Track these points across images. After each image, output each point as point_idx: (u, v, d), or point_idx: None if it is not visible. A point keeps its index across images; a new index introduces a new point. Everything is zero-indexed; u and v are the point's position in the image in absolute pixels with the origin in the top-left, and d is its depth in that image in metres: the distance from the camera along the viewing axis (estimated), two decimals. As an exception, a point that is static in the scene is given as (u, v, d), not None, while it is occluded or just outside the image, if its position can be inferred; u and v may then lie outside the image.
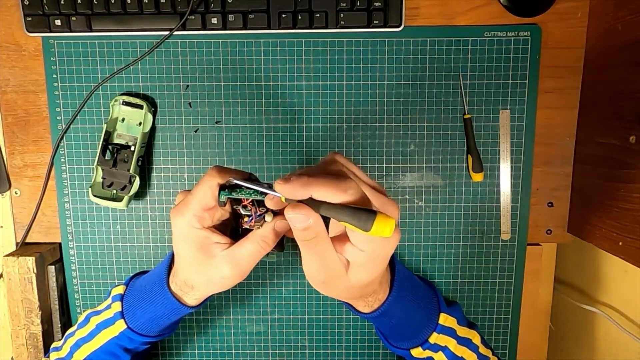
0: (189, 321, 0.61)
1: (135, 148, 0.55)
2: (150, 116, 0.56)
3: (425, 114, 0.57)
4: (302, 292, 0.60)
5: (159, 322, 0.45)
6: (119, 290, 0.48)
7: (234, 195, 0.38)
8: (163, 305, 0.43)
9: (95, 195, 0.55)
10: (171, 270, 0.44)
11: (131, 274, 0.51)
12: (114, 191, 0.55)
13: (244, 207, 0.39)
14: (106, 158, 0.55)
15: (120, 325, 0.45)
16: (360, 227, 0.32)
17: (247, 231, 0.40)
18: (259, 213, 0.39)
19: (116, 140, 0.56)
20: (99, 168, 0.55)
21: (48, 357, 0.51)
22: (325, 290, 0.38)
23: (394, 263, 0.44)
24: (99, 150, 0.54)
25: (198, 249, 0.39)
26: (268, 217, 0.39)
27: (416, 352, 0.47)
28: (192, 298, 0.43)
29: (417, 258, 0.59)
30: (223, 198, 0.38)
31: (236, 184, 0.38)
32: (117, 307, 0.46)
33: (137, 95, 0.56)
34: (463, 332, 0.48)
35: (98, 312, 0.48)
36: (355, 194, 0.33)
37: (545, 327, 0.63)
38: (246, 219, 0.40)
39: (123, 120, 0.56)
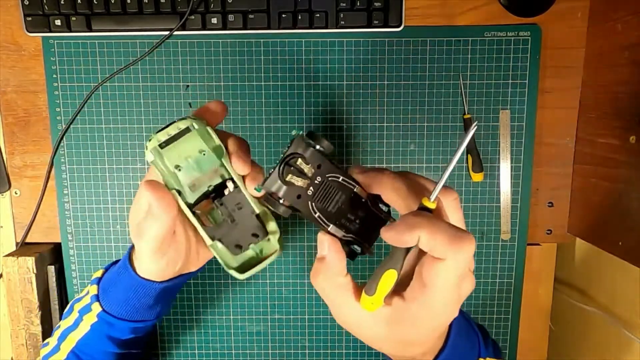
0: (189, 321, 0.61)
1: (233, 179, 0.38)
2: (208, 129, 0.37)
3: (425, 114, 0.57)
4: (302, 292, 0.60)
5: (131, 302, 0.43)
6: (98, 274, 0.47)
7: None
8: (128, 281, 0.42)
9: (241, 271, 0.39)
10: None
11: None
12: (251, 248, 0.40)
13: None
14: (213, 223, 0.39)
15: (96, 308, 0.44)
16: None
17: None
18: None
19: (197, 195, 0.38)
20: (217, 244, 0.38)
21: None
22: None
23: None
24: (198, 227, 0.38)
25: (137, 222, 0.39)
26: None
27: None
28: (148, 273, 0.42)
29: (417, 258, 0.59)
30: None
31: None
32: (93, 290, 0.45)
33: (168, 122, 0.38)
34: None
35: (79, 299, 0.47)
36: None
37: (545, 327, 0.63)
38: None
39: (179, 167, 0.36)
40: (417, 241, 0.27)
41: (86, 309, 0.45)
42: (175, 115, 0.57)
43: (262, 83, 0.57)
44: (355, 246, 0.33)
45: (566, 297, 0.66)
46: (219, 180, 0.38)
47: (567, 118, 0.57)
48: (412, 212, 0.29)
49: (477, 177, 0.57)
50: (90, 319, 0.45)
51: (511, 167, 0.57)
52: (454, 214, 0.31)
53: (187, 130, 0.36)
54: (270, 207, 0.32)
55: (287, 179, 0.30)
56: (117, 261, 0.48)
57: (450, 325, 0.34)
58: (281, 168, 0.30)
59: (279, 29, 0.54)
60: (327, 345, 0.61)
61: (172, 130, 0.36)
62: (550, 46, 0.56)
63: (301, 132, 0.31)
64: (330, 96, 0.57)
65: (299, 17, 0.54)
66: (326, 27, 0.54)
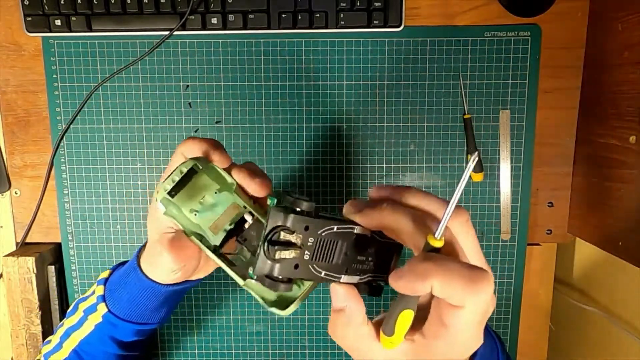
0: (189, 321, 0.61)
1: (253, 215, 0.35)
2: (213, 166, 0.36)
3: (425, 114, 0.57)
4: (302, 292, 0.60)
5: (137, 304, 0.44)
6: (104, 274, 0.47)
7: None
8: (136, 284, 0.42)
9: (281, 307, 0.34)
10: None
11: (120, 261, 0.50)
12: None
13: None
14: (245, 260, 0.36)
15: (102, 309, 0.44)
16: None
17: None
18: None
19: (221, 236, 0.36)
20: (250, 282, 0.34)
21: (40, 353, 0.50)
22: None
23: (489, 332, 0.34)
24: (227, 270, 0.35)
25: (155, 230, 0.38)
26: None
27: None
28: (158, 277, 0.42)
29: (417, 258, 0.59)
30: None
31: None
32: (99, 290, 0.45)
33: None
34: None
35: (85, 298, 0.47)
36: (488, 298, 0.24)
37: (545, 327, 0.63)
38: None
39: (195, 212, 0.36)
40: (431, 289, 0.24)
41: (91, 309, 0.45)
42: (175, 115, 0.57)
43: (262, 83, 0.57)
44: (379, 282, 0.30)
45: (566, 297, 0.66)
46: (237, 216, 0.35)
47: (567, 118, 0.57)
48: (420, 255, 0.26)
49: (477, 177, 0.57)
50: (95, 319, 0.45)
51: (511, 167, 0.57)
52: (466, 239, 0.27)
53: (192, 172, 0.34)
54: (272, 290, 0.28)
55: (275, 257, 0.27)
56: (124, 262, 0.48)
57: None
58: (265, 249, 0.27)
59: (279, 29, 0.54)
60: (327, 345, 0.61)
61: (176, 176, 0.34)
62: (550, 46, 0.56)
63: (274, 200, 0.28)
64: (330, 96, 0.57)
65: (299, 17, 0.54)
66: (326, 27, 0.54)
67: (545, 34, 0.55)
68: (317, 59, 0.56)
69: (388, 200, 0.28)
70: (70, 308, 0.48)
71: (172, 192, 0.34)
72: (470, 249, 0.27)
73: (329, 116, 0.57)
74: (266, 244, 0.27)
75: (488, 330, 0.36)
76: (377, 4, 0.53)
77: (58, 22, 0.54)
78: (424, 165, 0.58)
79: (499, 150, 0.57)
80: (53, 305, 0.59)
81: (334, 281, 0.29)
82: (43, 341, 0.57)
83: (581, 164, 0.57)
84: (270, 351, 0.61)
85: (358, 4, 0.53)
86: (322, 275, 0.28)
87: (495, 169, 0.58)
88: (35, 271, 0.56)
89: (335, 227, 0.28)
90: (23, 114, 0.58)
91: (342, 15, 0.54)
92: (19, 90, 0.57)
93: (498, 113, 0.57)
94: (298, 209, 0.27)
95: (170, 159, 0.37)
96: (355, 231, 0.29)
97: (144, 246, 0.43)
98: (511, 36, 0.55)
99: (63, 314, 0.60)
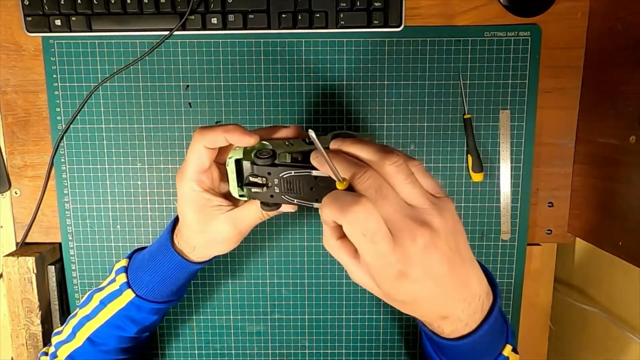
0: (189, 321, 0.61)
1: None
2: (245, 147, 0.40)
3: (425, 114, 0.57)
4: (302, 292, 0.60)
5: (166, 284, 0.45)
6: (122, 263, 0.48)
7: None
8: (169, 264, 0.44)
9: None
10: (175, 230, 0.46)
11: (132, 250, 0.51)
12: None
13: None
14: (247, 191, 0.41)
15: (128, 295, 0.45)
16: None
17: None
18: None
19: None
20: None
21: (50, 344, 0.50)
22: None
23: (495, 297, 0.37)
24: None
25: (199, 212, 0.41)
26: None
27: None
28: (195, 257, 0.45)
29: (417, 258, 0.59)
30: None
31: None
32: (122, 278, 0.46)
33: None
34: None
35: (101, 289, 0.48)
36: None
37: (545, 327, 0.63)
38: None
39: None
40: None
41: (112, 297, 0.46)
42: (175, 115, 0.57)
43: (262, 83, 0.57)
44: None
45: (566, 297, 0.66)
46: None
47: (567, 118, 0.57)
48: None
49: (477, 177, 0.57)
50: (117, 305, 0.46)
51: (511, 167, 0.57)
52: (396, 181, 0.33)
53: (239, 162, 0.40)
54: (263, 204, 0.40)
55: (253, 190, 0.38)
56: (139, 249, 0.50)
57: (492, 309, 0.36)
58: (246, 187, 0.39)
59: (279, 29, 0.54)
60: (327, 345, 0.61)
61: (233, 175, 0.40)
62: (551, 46, 0.56)
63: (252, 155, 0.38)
64: (330, 96, 0.57)
65: (299, 17, 0.54)
66: (326, 27, 0.54)
67: (545, 34, 0.55)
68: (317, 59, 0.56)
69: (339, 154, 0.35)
70: (84, 298, 0.50)
71: (242, 187, 0.40)
72: (405, 190, 0.32)
73: (329, 116, 0.57)
74: (246, 184, 0.39)
75: (501, 314, 0.40)
76: (377, 4, 0.53)
77: (58, 22, 0.54)
78: (424, 165, 0.58)
79: (499, 150, 0.57)
80: (53, 305, 0.59)
81: (307, 206, 0.38)
82: (43, 341, 0.57)
83: (581, 164, 0.57)
84: (270, 351, 0.61)
85: (358, 4, 0.53)
86: (295, 202, 0.38)
87: (495, 169, 0.58)
88: (35, 271, 0.56)
89: (293, 172, 0.37)
90: (23, 114, 0.58)
91: (342, 15, 0.54)
92: (19, 90, 0.57)
93: (498, 113, 0.57)
94: (259, 162, 0.37)
95: (190, 151, 0.40)
96: (312, 173, 0.36)
97: (172, 230, 0.46)
98: (511, 36, 0.55)
99: (63, 314, 0.60)
